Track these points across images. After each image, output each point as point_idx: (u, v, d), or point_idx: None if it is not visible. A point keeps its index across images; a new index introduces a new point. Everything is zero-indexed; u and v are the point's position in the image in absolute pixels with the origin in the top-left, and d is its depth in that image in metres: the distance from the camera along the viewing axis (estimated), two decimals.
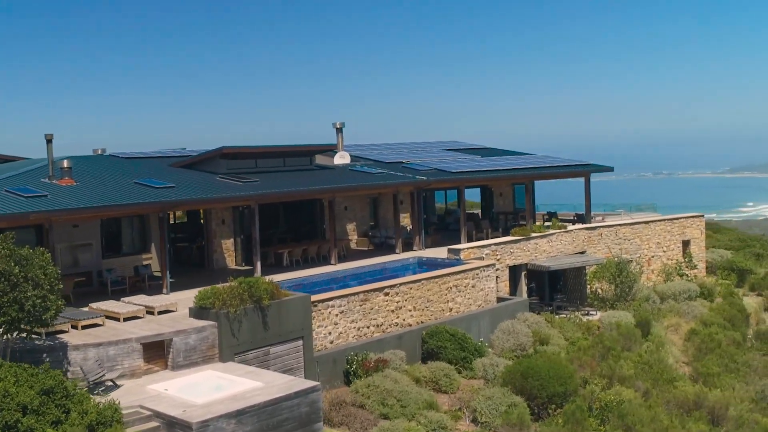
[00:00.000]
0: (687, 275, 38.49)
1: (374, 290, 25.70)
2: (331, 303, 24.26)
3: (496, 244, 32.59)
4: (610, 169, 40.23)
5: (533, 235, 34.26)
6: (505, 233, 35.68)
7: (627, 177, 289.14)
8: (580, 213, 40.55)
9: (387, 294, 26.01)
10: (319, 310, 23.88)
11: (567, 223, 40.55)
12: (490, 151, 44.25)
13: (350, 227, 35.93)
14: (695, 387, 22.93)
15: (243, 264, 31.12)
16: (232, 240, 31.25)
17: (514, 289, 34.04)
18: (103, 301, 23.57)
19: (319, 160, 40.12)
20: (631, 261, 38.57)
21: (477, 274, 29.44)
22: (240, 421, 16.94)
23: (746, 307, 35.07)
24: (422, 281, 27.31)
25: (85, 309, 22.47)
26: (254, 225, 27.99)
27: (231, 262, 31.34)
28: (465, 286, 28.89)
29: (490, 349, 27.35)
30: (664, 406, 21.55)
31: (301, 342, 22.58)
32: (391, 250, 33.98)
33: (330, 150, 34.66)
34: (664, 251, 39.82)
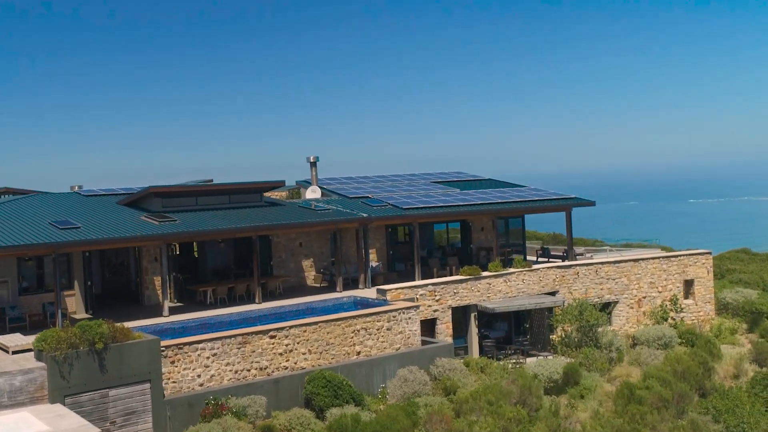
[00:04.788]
0: (673, 319, 35.31)
1: (257, 333, 25.36)
2: (200, 345, 24.19)
3: (434, 284, 31.29)
4: (592, 204, 37.60)
5: (484, 274, 32.62)
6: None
7: None
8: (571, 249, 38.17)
9: (273, 337, 25.59)
10: (186, 352, 23.89)
11: (557, 260, 38.42)
12: (483, 183, 42.62)
13: (307, 263, 35.64)
14: None
15: (176, 300, 31.58)
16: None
17: (465, 331, 32.57)
18: None
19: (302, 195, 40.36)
20: (617, 302, 36.02)
21: (394, 317, 28.37)
22: None
23: (724, 357, 31.62)
24: (319, 324, 26.64)
25: None
26: (162, 264, 28.43)
27: None
28: (378, 329, 27.91)
29: (387, 397, 26.28)
30: None
31: (148, 385, 22.61)
32: (351, 285, 33.47)
33: (277, 187, 34.65)
34: (659, 292, 36.75)
